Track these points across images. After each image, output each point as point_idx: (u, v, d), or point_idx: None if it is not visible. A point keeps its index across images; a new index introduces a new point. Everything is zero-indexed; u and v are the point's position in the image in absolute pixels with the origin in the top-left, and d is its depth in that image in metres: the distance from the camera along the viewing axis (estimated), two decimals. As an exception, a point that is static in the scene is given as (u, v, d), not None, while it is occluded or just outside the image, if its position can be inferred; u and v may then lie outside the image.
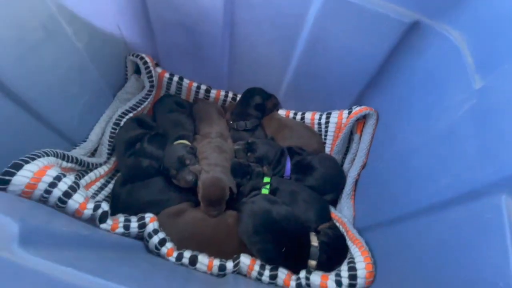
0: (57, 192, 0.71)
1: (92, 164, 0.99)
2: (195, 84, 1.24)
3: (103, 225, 0.79)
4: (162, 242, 0.83)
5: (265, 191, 0.99)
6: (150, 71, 1.12)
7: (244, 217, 0.86)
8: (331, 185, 1.08)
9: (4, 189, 0.65)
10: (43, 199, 0.71)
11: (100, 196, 1.01)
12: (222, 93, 1.27)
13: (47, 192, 0.70)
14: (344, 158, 1.19)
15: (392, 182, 0.85)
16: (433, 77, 0.81)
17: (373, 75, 1.02)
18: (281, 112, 1.27)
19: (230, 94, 1.29)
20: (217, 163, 0.94)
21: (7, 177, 0.64)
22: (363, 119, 1.12)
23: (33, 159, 0.71)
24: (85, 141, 1.02)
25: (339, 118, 1.15)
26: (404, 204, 0.73)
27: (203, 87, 1.25)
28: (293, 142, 1.16)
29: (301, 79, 1.13)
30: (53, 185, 0.71)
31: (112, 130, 1.05)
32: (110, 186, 1.06)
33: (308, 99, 1.22)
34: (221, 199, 0.89)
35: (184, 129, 1.12)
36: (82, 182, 0.95)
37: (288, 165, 1.08)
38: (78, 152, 0.97)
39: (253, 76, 1.20)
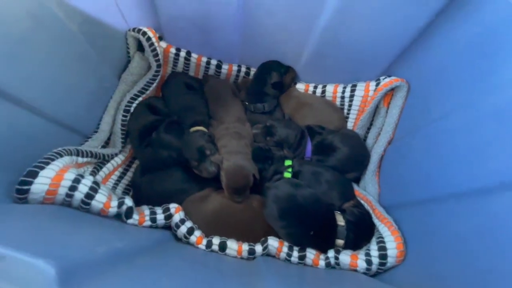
0: (79, 195, 0.69)
1: (108, 155, 0.95)
2: (204, 59, 1.13)
3: (130, 221, 0.79)
4: (190, 231, 0.83)
5: (287, 174, 0.96)
6: (154, 48, 1.01)
7: (269, 202, 0.85)
8: (355, 163, 1.05)
9: (25, 199, 0.63)
10: (66, 202, 0.69)
11: (120, 186, 0.99)
12: (234, 67, 1.16)
13: (69, 196, 0.68)
14: (367, 132, 1.13)
15: (426, 161, 0.80)
16: (485, 45, 0.70)
17: (409, 42, 0.89)
18: (300, 86, 1.17)
19: (243, 69, 1.17)
20: (237, 150, 0.90)
21: (25, 187, 0.62)
22: (391, 91, 1.02)
23: (47, 163, 0.67)
24: (96, 132, 0.97)
25: (366, 91, 1.06)
26: (439, 185, 0.69)
27: (214, 62, 1.13)
28: (313, 121, 1.08)
29: (325, 48, 1.00)
30: (73, 188, 0.69)
31: (123, 118, 0.99)
32: (130, 174, 1.04)
33: (331, 70, 1.10)
34: (246, 187, 0.87)
35: (197, 113, 1.05)
36: (101, 174, 0.93)
37: (309, 147, 1.03)
38: (92, 145, 0.93)
39: (269, 46, 1.07)
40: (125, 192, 1.01)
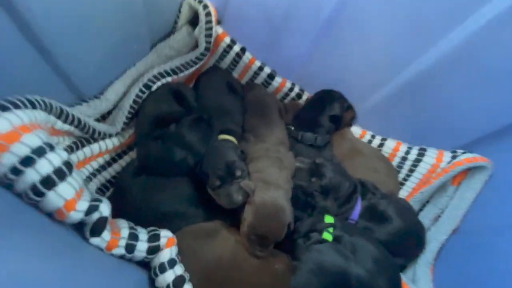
0: (32, 176, 0.41)
1: (99, 133, 0.68)
2: (257, 63, 0.93)
3: (94, 240, 0.49)
4: (178, 283, 0.54)
5: (327, 236, 0.70)
6: (211, 27, 0.81)
7: (304, 271, 0.58)
8: (406, 245, 0.80)
9: None
10: (7, 181, 0.41)
11: (98, 179, 0.70)
12: (288, 84, 0.97)
13: (16, 172, 0.40)
14: (420, 209, 0.91)
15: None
16: None
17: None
18: (355, 130, 0.97)
19: (296, 89, 0.98)
20: (277, 183, 0.65)
21: None
22: (466, 169, 0.83)
23: (5, 108, 0.41)
24: (98, 98, 0.71)
25: (438, 160, 0.87)
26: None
27: (267, 70, 0.94)
28: (365, 175, 0.86)
29: (404, 98, 0.84)
30: (27, 161, 0.41)
31: (139, 93, 0.74)
32: (116, 167, 0.76)
33: (398, 123, 0.93)
34: (276, 237, 0.60)
35: (232, 120, 0.82)
36: (79, 154, 0.65)
37: (358, 207, 0.79)
38: (85, 111, 0.67)
39: (338, 74, 0.90)
40: (101, 190, 0.72)
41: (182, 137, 0.66)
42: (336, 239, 0.71)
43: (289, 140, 0.85)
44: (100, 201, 0.50)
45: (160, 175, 0.67)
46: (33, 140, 0.42)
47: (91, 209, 0.48)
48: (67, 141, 0.63)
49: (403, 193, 0.93)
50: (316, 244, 0.64)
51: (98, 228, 0.49)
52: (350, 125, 0.97)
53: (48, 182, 0.42)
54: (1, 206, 0.39)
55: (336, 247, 0.63)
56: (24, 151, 0.41)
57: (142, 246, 0.54)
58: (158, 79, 0.77)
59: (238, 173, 0.64)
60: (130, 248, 0.52)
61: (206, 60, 0.93)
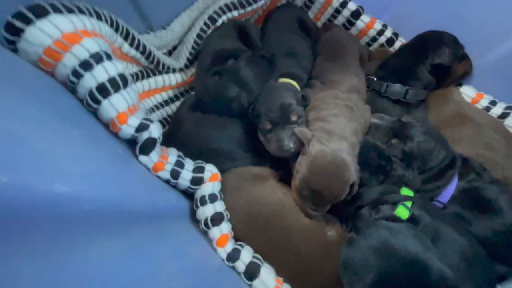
0: (90, 81, 0.42)
1: (164, 65, 0.68)
2: (339, -1, 0.76)
3: (143, 158, 0.49)
4: (216, 219, 0.51)
5: (402, 211, 0.55)
6: None
7: (364, 246, 0.47)
8: None
9: (13, 44, 0.38)
10: (70, 84, 0.43)
11: (157, 114, 0.72)
12: (377, 25, 0.77)
13: (77, 75, 0.41)
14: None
15: None
16: None
17: None
18: (467, 91, 0.72)
19: (388, 32, 0.78)
20: (342, 134, 0.52)
21: (19, 24, 0.37)
22: None
23: (70, 10, 0.41)
24: (164, 29, 0.70)
25: None
26: None
27: (352, 6, 0.76)
28: (472, 151, 0.64)
29: None
30: (86, 66, 0.41)
31: (204, 27, 0.70)
32: (178, 104, 0.77)
33: None
34: (335, 198, 0.50)
35: (298, 64, 0.70)
36: (143, 85, 0.67)
37: (452, 186, 0.60)
38: (151, 40, 0.67)
39: (449, 13, 0.65)
40: (161, 123, 0.74)
41: (237, 72, 0.59)
42: (413, 218, 0.55)
43: (369, 93, 0.68)
44: (151, 121, 0.50)
45: (215, 113, 0.63)
46: (92, 45, 0.42)
47: (142, 127, 0.48)
48: (134, 69, 0.66)
49: (527, 185, 0.66)
50: (386, 221, 0.51)
51: (146, 147, 0.49)
52: (460, 83, 0.72)
53: (103, 90, 0.43)
54: (65, 105, 0.42)
55: (414, 232, 0.49)
56: (83, 54, 0.41)
57: (186, 175, 0.52)
58: (224, 12, 0.71)
59: (294, 117, 0.54)
60: (175, 174, 0.52)
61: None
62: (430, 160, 0.57)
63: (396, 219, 0.52)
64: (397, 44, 0.77)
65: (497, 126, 0.66)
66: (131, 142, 0.50)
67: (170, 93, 0.75)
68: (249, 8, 0.73)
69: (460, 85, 0.72)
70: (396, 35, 0.77)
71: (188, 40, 0.70)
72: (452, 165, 0.59)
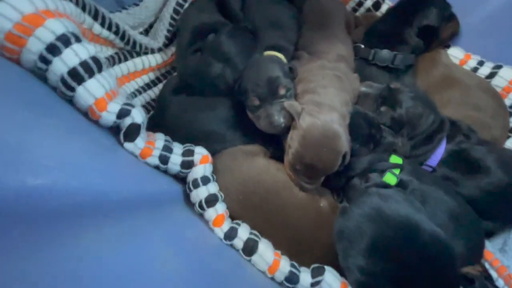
0: (60, 66, 0.39)
1: (141, 45, 0.64)
2: (322, -40, 0.71)
3: (128, 145, 0.48)
4: (210, 200, 0.51)
5: (390, 178, 0.56)
6: None
7: (356, 215, 0.48)
8: (502, 208, 0.61)
9: None
10: (39, 71, 0.39)
11: (140, 99, 0.69)
12: (362, -11, 0.73)
13: (44, 60, 0.38)
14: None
15: None
16: None
17: None
18: (454, 53, 0.71)
19: (374, -5, 0.74)
20: (331, 104, 0.51)
21: None
22: None
23: None
24: (137, 5, 0.65)
25: None
26: None
27: (335, -32, 0.72)
28: (459, 113, 0.64)
29: None
30: (53, 49, 0.38)
31: (180, 1, 0.65)
32: (160, 87, 0.73)
33: None
34: (328, 169, 0.50)
35: (282, 35, 0.67)
36: (120, 69, 0.63)
37: (441, 150, 0.61)
38: (124, 19, 0.63)
39: None
40: (145, 108, 0.71)
41: (219, 47, 0.56)
42: (401, 183, 0.57)
43: (357, 62, 0.67)
44: (133, 106, 0.48)
45: (200, 94, 0.61)
46: (57, 26, 0.38)
47: (123, 113, 0.46)
48: (109, 51, 0.61)
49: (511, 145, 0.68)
50: (376, 188, 0.52)
51: (131, 133, 0.47)
52: (447, 44, 0.71)
53: (76, 75, 0.40)
54: (37, 94, 0.39)
55: (404, 195, 0.50)
56: (48, 37, 0.38)
57: (176, 159, 0.51)
58: (200, -16, 0.66)
59: (282, 91, 0.52)
60: (163, 159, 0.50)
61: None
62: (419, 126, 0.58)
63: (386, 186, 0.53)
64: (384, 8, 0.74)
65: (485, 86, 0.66)
66: (115, 129, 0.48)
67: (151, 75, 0.72)
68: (226, -23, 0.68)
69: (448, 46, 0.71)
70: (382, -2, 0.74)
71: (165, 17, 0.66)
72: (440, 128, 0.59)
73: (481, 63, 0.69)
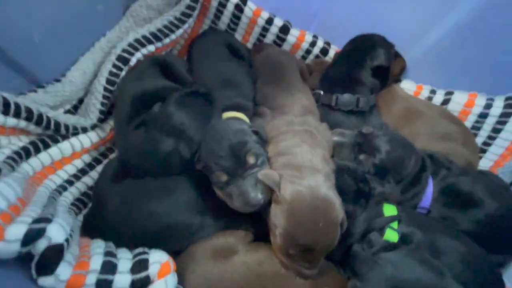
0: None
1: (67, 127, 0.52)
2: (264, 15, 0.71)
3: (44, 281, 0.32)
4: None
5: (391, 235, 0.49)
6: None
7: None
8: (505, 236, 0.56)
9: None
10: None
11: (75, 189, 0.54)
12: (308, 37, 0.74)
13: None
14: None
15: None
16: None
17: None
18: (407, 86, 0.72)
19: (320, 42, 0.75)
20: (313, 165, 0.44)
21: None
22: None
23: None
24: (58, 81, 0.54)
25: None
26: None
27: (278, 22, 0.72)
28: (431, 145, 0.63)
29: (468, 33, 0.60)
30: None
31: (113, 70, 0.56)
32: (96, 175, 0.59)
33: (466, 69, 0.67)
34: (329, 246, 0.41)
35: (240, 93, 0.61)
36: (41, 158, 0.49)
37: (430, 189, 0.56)
38: (41, 99, 0.50)
39: (372, 17, 0.66)
40: (83, 202, 0.56)
41: (168, 119, 0.47)
42: (404, 238, 0.49)
43: (319, 109, 0.63)
44: (48, 221, 0.34)
45: (148, 176, 0.49)
46: None
47: (32, 235, 0.31)
48: (23, 141, 0.47)
49: (484, 164, 0.68)
50: (383, 252, 0.43)
51: (48, 262, 0.33)
52: (398, 80, 0.72)
53: None
54: None
55: (417, 254, 0.42)
56: None
57: (122, 280, 0.36)
58: (137, 49, 0.58)
59: (251, 159, 0.44)
60: (103, 285, 0.35)
61: (197, 25, 0.73)
62: (404, 168, 0.53)
63: (393, 246, 0.45)
64: (331, 53, 0.76)
65: (447, 114, 0.67)
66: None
67: (86, 158, 0.58)
68: (167, 40, 0.62)
69: (399, 81, 0.73)
70: (328, 44, 0.75)
71: (96, 89, 0.55)
72: (423, 166, 0.56)
73: (433, 92, 0.71)
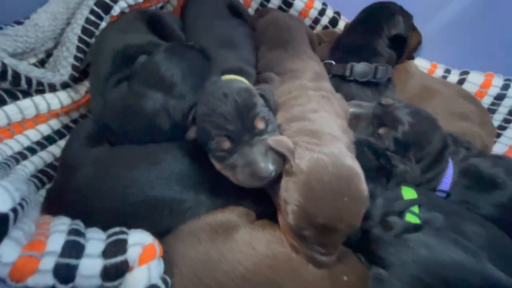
0: None
1: (30, 82, 0.42)
2: (270, -24, 0.63)
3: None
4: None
5: (411, 219, 0.43)
6: None
7: (405, 283, 0.31)
8: None
9: None
10: None
11: (38, 159, 0.44)
12: (317, 4, 0.67)
13: None
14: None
15: None
16: None
17: None
18: (421, 64, 0.67)
19: (330, 11, 0.68)
20: (333, 132, 0.37)
21: None
22: None
23: None
24: (20, 23, 0.44)
25: None
26: None
27: (285, -16, 0.64)
28: (450, 125, 0.58)
29: (482, 12, 0.55)
30: None
31: (92, 18, 0.46)
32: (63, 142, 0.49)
33: (480, 49, 0.63)
34: (352, 227, 0.34)
35: (239, 56, 0.54)
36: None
37: (450, 170, 0.51)
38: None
39: None
40: (45, 175, 0.46)
41: (155, 70, 0.38)
42: (425, 224, 0.43)
43: (330, 80, 0.55)
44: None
45: (129, 142, 0.40)
46: None
47: None
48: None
49: (498, 149, 0.64)
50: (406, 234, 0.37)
51: None
52: (411, 56, 0.67)
53: None
54: None
55: (448, 235, 0.36)
56: None
57: (90, 266, 0.28)
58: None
59: (260, 124, 0.36)
60: (64, 271, 0.26)
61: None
62: (428, 144, 0.47)
63: (417, 228, 0.39)
64: (341, 24, 0.69)
65: (464, 93, 0.62)
66: None
67: (54, 123, 0.48)
68: (157, -10, 0.53)
69: (413, 58, 0.68)
70: (338, 13, 0.69)
71: (69, 39, 0.45)
72: (446, 145, 0.50)
73: (448, 71, 0.66)
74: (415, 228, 0.40)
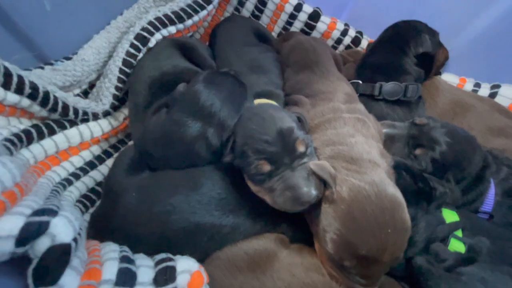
0: None
1: (76, 111, 0.45)
2: (293, 1, 0.66)
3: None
4: None
5: (456, 246, 0.41)
6: None
7: None
8: None
9: None
10: None
11: (81, 184, 0.46)
12: (340, 25, 0.68)
13: None
14: None
15: None
16: None
17: None
18: (449, 79, 0.66)
19: (352, 31, 0.70)
20: (372, 159, 0.36)
21: None
22: None
23: None
24: (69, 59, 0.47)
25: None
26: None
27: (307, 8, 0.67)
28: (487, 141, 0.56)
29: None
30: None
31: (131, 50, 0.50)
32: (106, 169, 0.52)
33: (509, 63, 0.61)
34: (397, 260, 0.33)
35: (268, 80, 0.55)
36: (44, 145, 0.41)
37: (492, 191, 0.49)
38: (48, 76, 0.43)
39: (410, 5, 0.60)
40: (89, 200, 0.48)
41: (195, 99, 0.40)
42: (471, 249, 0.41)
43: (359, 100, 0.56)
44: (53, 213, 0.26)
45: (169, 167, 0.41)
46: None
47: (31, 231, 0.24)
48: (24, 124, 0.40)
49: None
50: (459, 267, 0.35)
51: (50, 268, 0.25)
52: (438, 72, 0.66)
53: None
54: None
55: (504, 268, 0.34)
56: None
57: (143, 294, 0.28)
58: (158, 29, 0.52)
59: (302, 147, 0.36)
60: (119, 300, 0.27)
61: (218, 8, 0.68)
62: (469, 165, 0.45)
63: (470, 260, 0.37)
64: (364, 43, 0.70)
65: (499, 107, 0.60)
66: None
67: (96, 149, 0.50)
68: (189, 22, 0.56)
69: (439, 74, 0.67)
70: (360, 33, 0.70)
71: (111, 71, 0.49)
72: (487, 166, 0.48)
73: (478, 85, 0.65)
74: (468, 260, 0.38)
